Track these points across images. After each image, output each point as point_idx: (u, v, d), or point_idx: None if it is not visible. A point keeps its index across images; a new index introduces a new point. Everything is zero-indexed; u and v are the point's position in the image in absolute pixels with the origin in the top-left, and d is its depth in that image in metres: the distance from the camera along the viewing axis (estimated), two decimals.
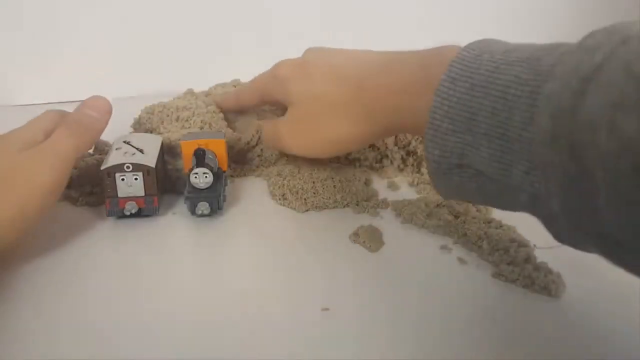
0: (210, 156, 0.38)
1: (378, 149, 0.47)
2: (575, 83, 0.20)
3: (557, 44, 0.24)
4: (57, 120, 0.38)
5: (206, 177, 0.37)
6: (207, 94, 0.53)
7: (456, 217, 0.38)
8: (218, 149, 0.39)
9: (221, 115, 0.47)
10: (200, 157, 0.37)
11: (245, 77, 0.51)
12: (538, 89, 0.23)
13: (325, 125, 0.38)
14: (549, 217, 0.24)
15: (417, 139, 0.47)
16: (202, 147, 0.38)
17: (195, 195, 0.37)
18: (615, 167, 0.18)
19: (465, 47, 0.28)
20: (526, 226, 0.37)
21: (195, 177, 0.37)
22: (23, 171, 0.33)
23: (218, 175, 0.38)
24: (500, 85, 0.24)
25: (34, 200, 0.32)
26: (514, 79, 0.24)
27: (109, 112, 0.39)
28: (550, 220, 0.24)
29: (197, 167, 0.37)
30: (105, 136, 0.41)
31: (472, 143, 0.26)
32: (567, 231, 0.24)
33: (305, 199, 0.40)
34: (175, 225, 0.38)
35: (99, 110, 0.38)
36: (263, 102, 0.46)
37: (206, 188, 0.37)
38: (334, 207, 0.40)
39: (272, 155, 0.45)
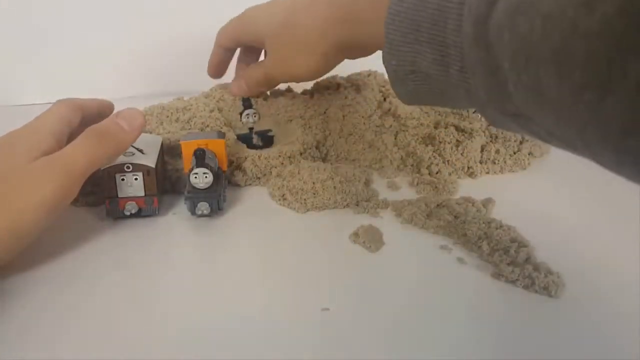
0: (210, 156, 0.38)
1: (378, 149, 0.47)
2: None
3: None
4: (71, 120, 0.36)
5: (206, 177, 0.37)
6: (206, 95, 0.53)
7: (456, 217, 0.38)
8: (218, 149, 0.39)
9: (222, 118, 0.46)
10: (200, 157, 0.37)
11: None
12: (464, 0, 0.27)
13: (296, 49, 0.42)
14: (481, 106, 0.28)
15: (417, 139, 0.47)
16: (202, 147, 0.38)
17: (195, 195, 0.37)
18: (514, 59, 0.23)
19: None
20: (526, 226, 0.37)
21: (195, 177, 0.37)
22: (23, 185, 0.31)
23: (218, 175, 0.38)
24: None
25: (30, 219, 0.31)
26: None
27: (141, 126, 0.36)
28: (483, 108, 0.28)
29: (197, 167, 0.37)
30: None
31: (420, 51, 0.30)
32: (495, 115, 0.27)
33: (305, 199, 0.40)
34: (175, 225, 0.38)
35: (130, 123, 0.36)
36: (238, 44, 0.50)
37: (206, 188, 0.37)
38: (334, 208, 0.40)
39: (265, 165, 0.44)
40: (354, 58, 0.43)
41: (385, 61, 0.32)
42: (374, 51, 0.38)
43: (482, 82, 0.26)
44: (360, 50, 0.41)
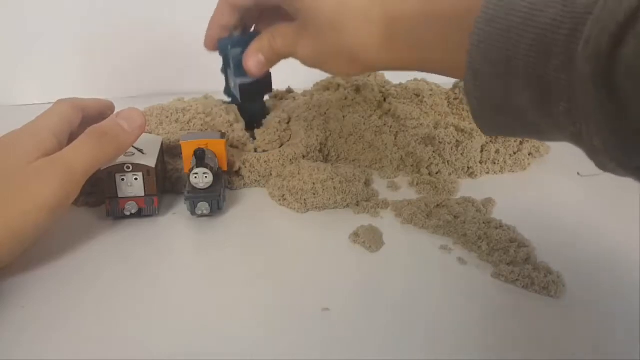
0: (210, 156, 0.38)
1: (378, 149, 0.47)
2: (614, 28, 0.20)
3: None
4: (72, 120, 0.36)
5: (206, 177, 0.37)
6: (207, 96, 0.53)
7: (456, 217, 0.38)
8: (218, 149, 0.39)
9: (222, 119, 0.46)
10: (200, 157, 0.37)
11: None
12: (575, 32, 0.22)
13: (339, 34, 0.34)
14: (592, 151, 0.24)
15: (417, 140, 0.47)
16: (202, 147, 0.38)
17: (195, 195, 0.37)
18: None
19: None
20: (526, 226, 0.37)
21: (195, 177, 0.37)
22: (24, 187, 0.30)
23: (218, 175, 0.38)
24: (537, 28, 0.24)
25: (31, 222, 0.30)
26: (550, 21, 0.23)
27: (142, 127, 0.36)
28: (593, 153, 0.24)
29: (197, 167, 0.37)
30: None
31: (513, 85, 0.25)
32: (610, 165, 0.24)
33: (305, 199, 0.40)
34: (175, 225, 0.38)
35: (131, 123, 0.36)
36: (255, 2, 0.40)
37: (206, 188, 0.37)
38: (334, 208, 0.40)
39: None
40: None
41: (467, 92, 0.28)
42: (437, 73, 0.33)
43: (598, 129, 0.22)
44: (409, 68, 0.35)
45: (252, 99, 0.45)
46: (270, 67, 0.41)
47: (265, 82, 0.43)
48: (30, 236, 0.31)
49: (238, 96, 0.43)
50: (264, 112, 0.49)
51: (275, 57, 0.39)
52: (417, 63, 0.33)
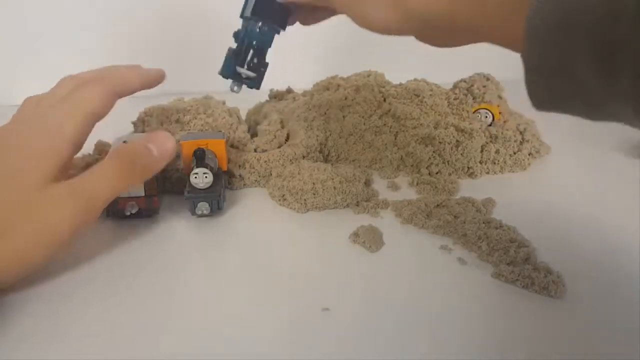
0: (210, 156, 0.38)
1: (378, 149, 0.47)
2: None
3: None
4: (100, 115, 0.33)
5: (206, 177, 0.37)
6: (207, 97, 0.53)
7: (456, 217, 0.38)
8: (218, 149, 0.39)
9: (225, 121, 0.46)
10: (200, 157, 0.37)
11: None
12: None
13: None
14: None
15: (417, 140, 0.47)
16: (202, 147, 0.38)
17: (195, 195, 0.37)
18: None
19: None
20: (526, 226, 0.37)
21: (195, 177, 0.37)
22: (38, 217, 0.29)
23: (218, 175, 0.38)
24: None
25: (42, 252, 0.29)
26: None
27: (171, 152, 0.35)
28: None
29: (197, 167, 0.37)
30: (105, 136, 0.41)
31: (574, 49, 0.23)
32: None
33: (305, 199, 0.40)
34: (175, 225, 0.38)
35: (161, 149, 0.34)
36: None
37: (206, 188, 0.37)
38: (334, 208, 0.40)
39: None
40: (434, 44, 0.33)
41: (524, 56, 0.25)
42: (476, 41, 0.30)
43: None
44: (453, 36, 0.32)
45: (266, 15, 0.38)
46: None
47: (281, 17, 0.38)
48: (39, 264, 0.30)
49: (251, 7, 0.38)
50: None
51: None
52: (468, 18, 0.29)
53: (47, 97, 0.35)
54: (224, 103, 0.50)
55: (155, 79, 0.38)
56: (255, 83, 0.39)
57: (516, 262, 0.33)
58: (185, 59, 0.63)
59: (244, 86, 0.40)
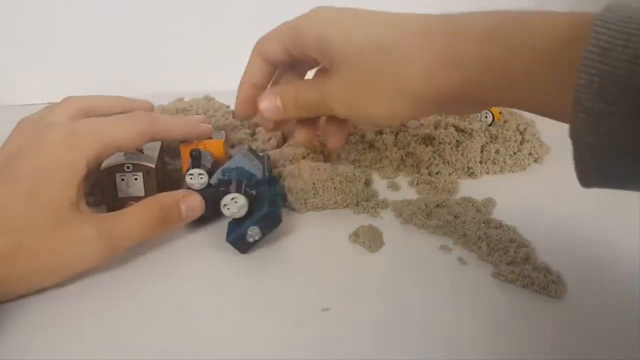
0: (208, 157, 0.38)
1: (378, 149, 0.47)
2: None
3: None
4: (127, 148, 0.34)
5: (201, 177, 0.37)
6: (208, 97, 0.53)
7: (456, 217, 0.38)
8: (216, 149, 0.39)
9: (227, 122, 0.46)
10: (196, 158, 0.37)
11: None
12: None
13: (382, 82, 0.30)
14: None
15: (417, 140, 0.47)
16: (200, 148, 0.37)
17: None
18: None
19: (602, 11, 0.22)
20: (526, 226, 0.37)
21: (191, 177, 0.36)
22: (56, 250, 0.29)
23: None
24: None
25: (52, 281, 0.30)
26: None
27: (195, 217, 0.35)
28: None
29: (192, 167, 0.36)
30: None
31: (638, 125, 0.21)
32: None
33: (305, 199, 0.40)
34: None
35: (189, 213, 0.34)
36: (289, 55, 0.35)
37: (202, 189, 0.37)
38: (334, 208, 0.40)
39: None
40: (454, 114, 0.33)
41: (576, 136, 0.23)
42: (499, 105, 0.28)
43: None
44: (473, 106, 0.31)
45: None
46: (287, 117, 0.35)
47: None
48: (45, 288, 0.30)
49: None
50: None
51: (295, 106, 0.34)
52: (492, 98, 0.27)
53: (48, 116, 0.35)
54: (228, 107, 0.50)
55: (200, 134, 0.38)
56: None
57: (516, 262, 0.33)
58: (185, 59, 0.63)
59: None
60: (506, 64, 0.26)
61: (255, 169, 0.37)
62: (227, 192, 0.34)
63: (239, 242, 0.34)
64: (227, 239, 0.34)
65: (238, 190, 0.34)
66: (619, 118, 0.21)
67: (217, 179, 0.36)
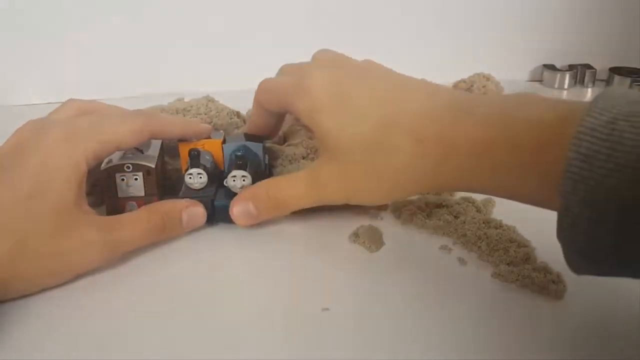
0: (207, 157, 0.38)
1: None
2: None
3: None
4: (126, 147, 0.34)
5: (200, 177, 0.37)
6: (208, 98, 0.53)
7: (456, 217, 0.38)
8: (215, 148, 0.39)
9: (231, 121, 0.46)
10: (194, 158, 0.37)
11: (254, 81, 0.40)
12: None
13: (389, 176, 0.31)
14: None
15: None
16: (199, 147, 0.37)
17: (189, 196, 0.37)
18: None
19: (587, 112, 0.22)
20: (526, 226, 0.37)
21: (190, 177, 0.36)
22: (59, 253, 0.29)
23: (215, 175, 0.38)
24: None
25: (53, 282, 0.30)
26: None
27: (197, 227, 0.36)
28: None
29: (191, 167, 0.36)
30: None
31: (629, 235, 0.21)
32: None
33: None
34: None
35: (190, 223, 0.35)
36: (286, 110, 0.38)
37: (201, 189, 0.37)
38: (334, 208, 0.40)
39: None
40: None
41: (565, 241, 0.24)
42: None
43: None
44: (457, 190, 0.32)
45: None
46: (262, 220, 0.36)
47: None
48: (45, 288, 0.30)
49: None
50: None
51: (273, 209, 0.35)
52: (462, 187, 0.30)
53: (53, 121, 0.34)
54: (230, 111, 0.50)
55: (199, 133, 0.39)
56: None
57: (516, 262, 0.33)
58: (185, 59, 0.63)
59: None
60: (494, 163, 0.27)
61: (257, 149, 0.38)
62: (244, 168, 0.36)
63: (222, 212, 0.36)
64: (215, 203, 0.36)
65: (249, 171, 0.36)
66: (608, 224, 0.21)
67: (235, 155, 0.37)
